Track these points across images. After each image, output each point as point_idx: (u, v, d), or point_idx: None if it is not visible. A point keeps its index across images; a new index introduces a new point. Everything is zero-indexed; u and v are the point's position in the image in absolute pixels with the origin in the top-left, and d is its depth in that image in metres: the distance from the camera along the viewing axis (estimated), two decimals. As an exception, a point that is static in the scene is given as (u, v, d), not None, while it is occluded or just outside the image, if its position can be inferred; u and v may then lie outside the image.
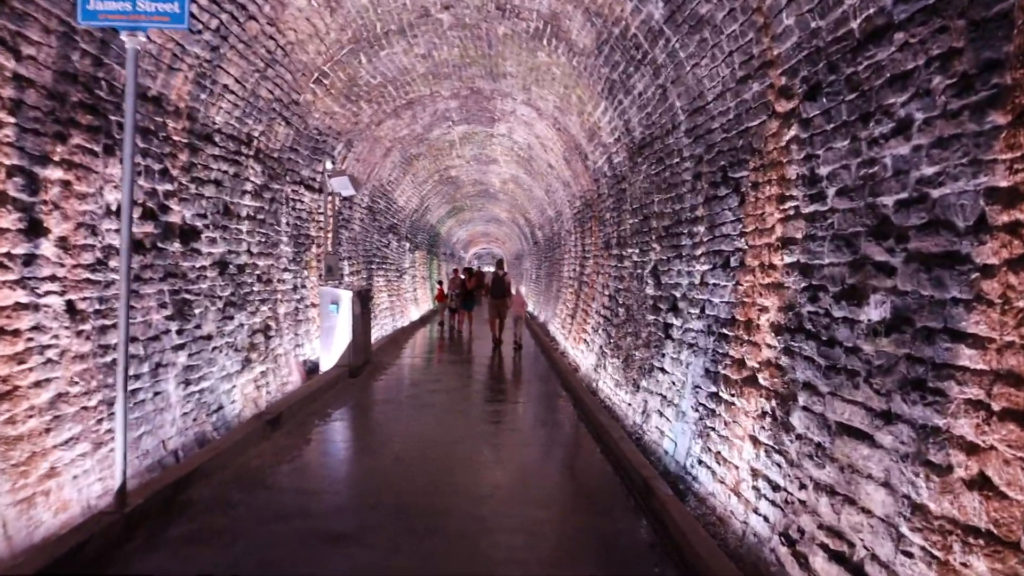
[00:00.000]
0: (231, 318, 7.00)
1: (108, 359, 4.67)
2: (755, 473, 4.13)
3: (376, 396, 9.29)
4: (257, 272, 7.92)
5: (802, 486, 3.55)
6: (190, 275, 6.10)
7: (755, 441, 4.21)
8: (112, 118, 4.72)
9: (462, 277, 18.95)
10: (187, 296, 6.01)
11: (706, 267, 5.57)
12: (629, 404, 7.27)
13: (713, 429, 4.92)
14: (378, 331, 15.28)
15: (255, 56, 6.67)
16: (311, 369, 9.68)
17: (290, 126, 8.54)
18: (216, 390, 6.42)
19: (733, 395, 4.66)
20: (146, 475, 4.93)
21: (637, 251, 8.05)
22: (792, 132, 4.08)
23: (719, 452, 4.74)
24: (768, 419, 4.07)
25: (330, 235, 10.65)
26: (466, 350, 14.74)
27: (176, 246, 5.85)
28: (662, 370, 6.41)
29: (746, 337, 4.61)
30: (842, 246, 3.46)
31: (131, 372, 4.95)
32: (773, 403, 4.05)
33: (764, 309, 4.36)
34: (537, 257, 25.23)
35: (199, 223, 6.31)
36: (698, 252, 5.79)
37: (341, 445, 6.85)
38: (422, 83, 10.73)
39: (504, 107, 12.28)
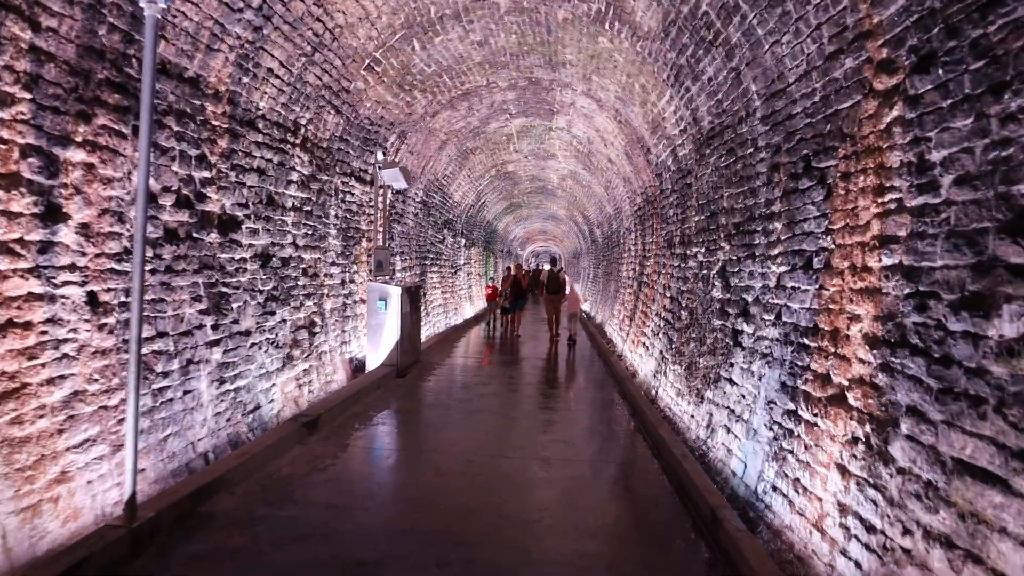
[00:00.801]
0: (272, 313, 6.73)
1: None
2: (843, 508, 3.56)
3: (422, 399, 8.87)
4: (303, 266, 7.65)
5: (906, 531, 2.97)
6: (228, 267, 5.83)
7: (843, 471, 3.63)
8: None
9: (514, 275, 17.34)
10: (224, 289, 5.74)
11: (783, 268, 4.98)
12: (692, 416, 6.70)
13: (791, 452, 4.34)
14: (430, 329, 15.00)
15: (301, 39, 6.37)
16: (357, 367, 9.40)
17: (340, 115, 8.25)
18: (253, 389, 6.15)
19: (816, 415, 4.08)
20: (170, 480, 4.65)
21: (703, 250, 7.46)
22: (895, 112, 3.48)
23: (798, 479, 4.16)
24: (861, 446, 3.49)
25: (381, 229, 10.35)
26: (519, 351, 14.25)
27: (213, 236, 5.58)
28: (730, 381, 5.83)
29: (832, 349, 4.02)
30: (961, 245, 2.87)
31: (159, 369, 4.69)
32: (867, 428, 3.47)
33: (855, 318, 3.77)
34: (595, 256, 24.63)
35: (240, 213, 6.04)
36: (774, 252, 5.20)
37: (380, 454, 6.42)
38: (478, 72, 10.34)
39: (563, 98, 11.79)
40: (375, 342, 9.39)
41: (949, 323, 2.89)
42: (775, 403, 4.73)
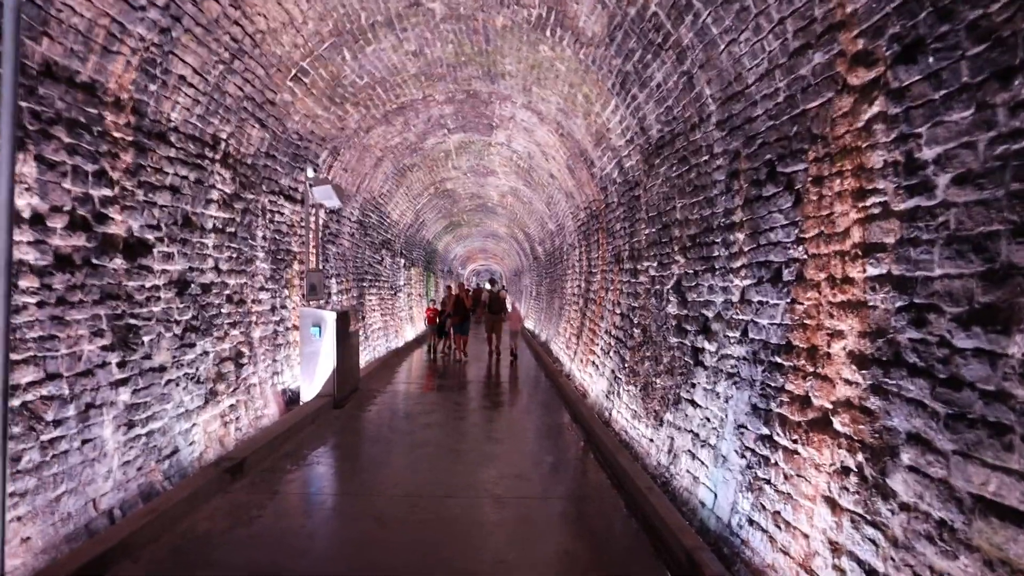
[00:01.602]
0: (192, 345, 6.07)
1: (14, 402, 3.74)
2: (836, 548, 3.20)
3: (361, 432, 8.16)
4: (227, 292, 7.01)
5: (918, 578, 2.62)
6: (137, 296, 5.18)
7: (833, 505, 3.28)
8: (23, 104, 3.83)
9: (457, 294, 16.31)
10: (133, 321, 5.09)
11: (748, 282, 4.66)
12: (651, 441, 6.33)
13: (767, 482, 3.99)
14: (370, 353, 14.35)
15: (217, 44, 5.80)
16: (291, 399, 8.73)
17: (265, 129, 7.67)
18: (170, 431, 5.48)
19: (796, 441, 3.73)
20: (64, 547, 3.97)
21: (655, 264, 7.15)
22: (875, 108, 3.19)
23: (778, 512, 3.80)
24: (853, 478, 3.15)
25: (314, 250, 9.73)
26: (464, 375, 13.61)
27: (118, 262, 4.94)
28: (692, 403, 5.49)
29: (810, 369, 3.69)
30: (966, 252, 2.55)
31: (50, 417, 4.03)
32: (859, 457, 3.12)
33: (837, 334, 3.45)
34: (537, 273, 24.35)
35: (150, 236, 5.41)
36: (736, 264, 4.89)
37: (314, 500, 5.64)
38: (414, 85, 9.89)
39: (503, 112, 11.44)
40: (309, 372, 8.74)
41: (956, 339, 2.57)
42: (746, 427, 4.38)
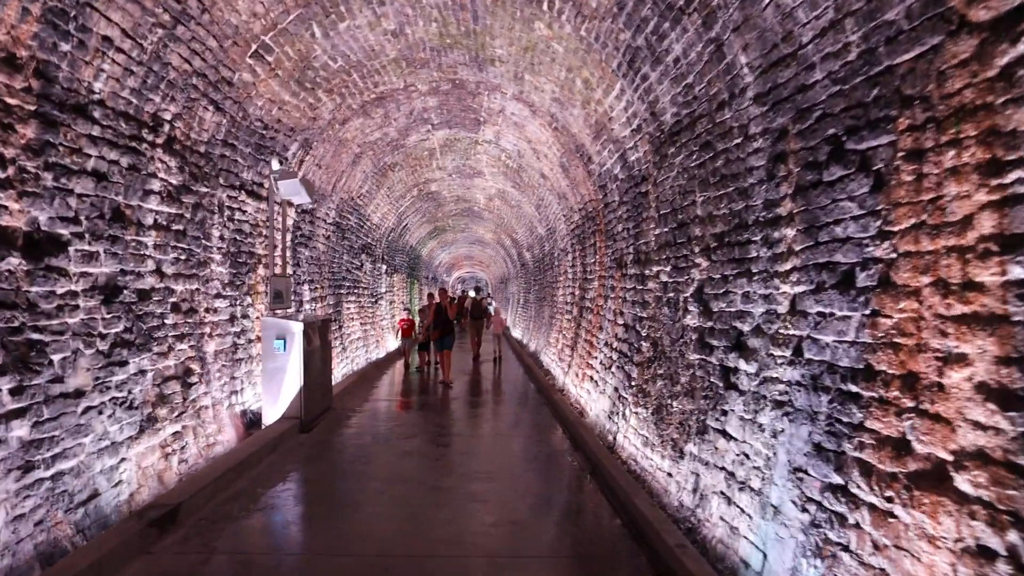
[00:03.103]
0: (123, 363, 5.07)
1: None
2: (975, 663, 2.28)
3: (330, 463, 6.99)
4: (172, 299, 6.01)
5: None
6: (44, 305, 4.19)
7: (963, 598, 2.36)
8: None
9: (439, 302, 13.63)
10: (36, 336, 4.09)
11: (802, 288, 3.75)
12: (670, 475, 5.40)
13: (846, 549, 3.06)
14: (347, 365, 13.33)
15: (154, 3, 4.83)
16: (252, 422, 7.71)
17: (221, 113, 6.69)
18: (87, 471, 4.48)
19: (891, 500, 2.81)
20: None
21: (668, 269, 6.24)
22: (1019, 49, 2.30)
23: (865, 593, 2.88)
24: (1002, 566, 2.23)
25: (280, 253, 8.73)
26: (446, 391, 12.34)
27: (15, 262, 3.95)
28: (723, 434, 4.56)
29: (909, 403, 2.78)
30: None
31: (-103, 466, 3.02)
32: (1011, 536, 2.21)
33: (956, 360, 2.54)
34: (525, 280, 23.44)
35: (64, 231, 4.42)
36: (784, 267, 3.98)
37: (259, 567, 4.35)
38: (394, 72, 8.94)
39: (491, 105, 10.52)
40: (273, 390, 7.72)
41: None
42: (807, 472, 3.46)
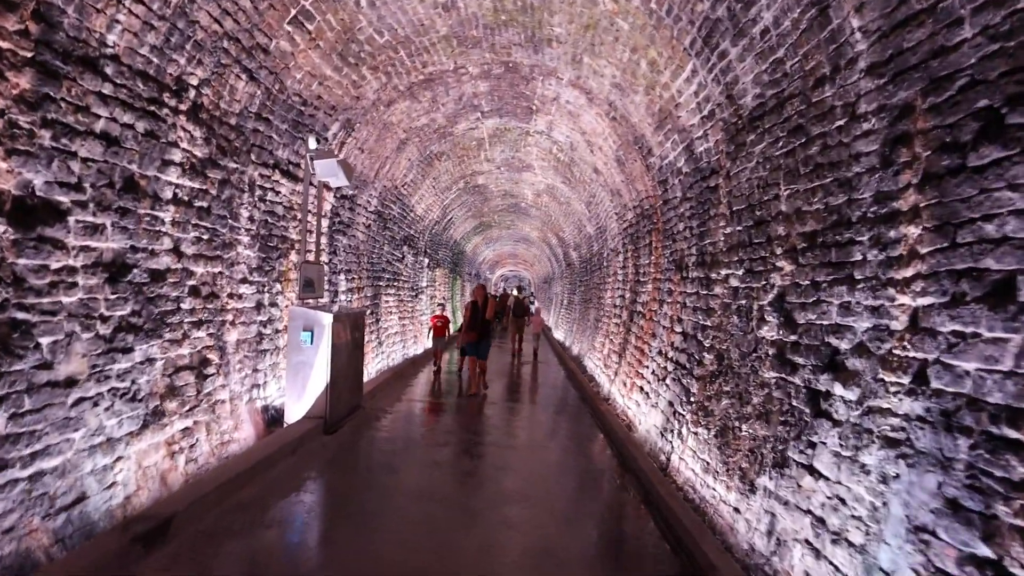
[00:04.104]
0: (128, 350, 4.57)
1: None
2: None
3: (351, 470, 6.38)
4: (191, 282, 5.52)
5: None
6: (33, 281, 3.69)
7: None
8: None
9: (474, 300, 11.64)
10: (21, 315, 3.59)
11: (930, 299, 3.01)
12: (737, 510, 4.67)
13: (999, 646, 2.33)
14: (383, 361, 12.83)
15: (177, -53, 4.32)
16: (274, 419, 7.20)
17: (256, 83, 6.18)
18: (74, 470, 3.97)
19: (1078, 593, 2.08)
20: None
21: (740, 272, 5.51)
22: None
23: None
24: None
25: (315, 238, 8.22)
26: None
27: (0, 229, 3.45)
28: (810, 470, 3.83)
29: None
30: None
31: None
32: None
33: None
34: (570, 281, 22.71)
35: (63, 198, 3.92)
36: (904, 273, 3.23)
37: None
38: (443, 51, 8.36)
39: (545, 92, 9.87)
40: (297, 386, 7.18)
41: None
42: (936, 535, 2.73)
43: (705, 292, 6.45)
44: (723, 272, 5.95)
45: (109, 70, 4.21)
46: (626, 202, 10.92)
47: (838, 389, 3.69)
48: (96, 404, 4.19)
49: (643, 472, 6.18)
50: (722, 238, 6.05)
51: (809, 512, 3.74)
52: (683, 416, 6.39)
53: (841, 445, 3.54)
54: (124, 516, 4.32)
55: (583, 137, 11.00)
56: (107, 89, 4.22)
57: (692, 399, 6.24)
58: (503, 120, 11.83)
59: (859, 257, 3.64)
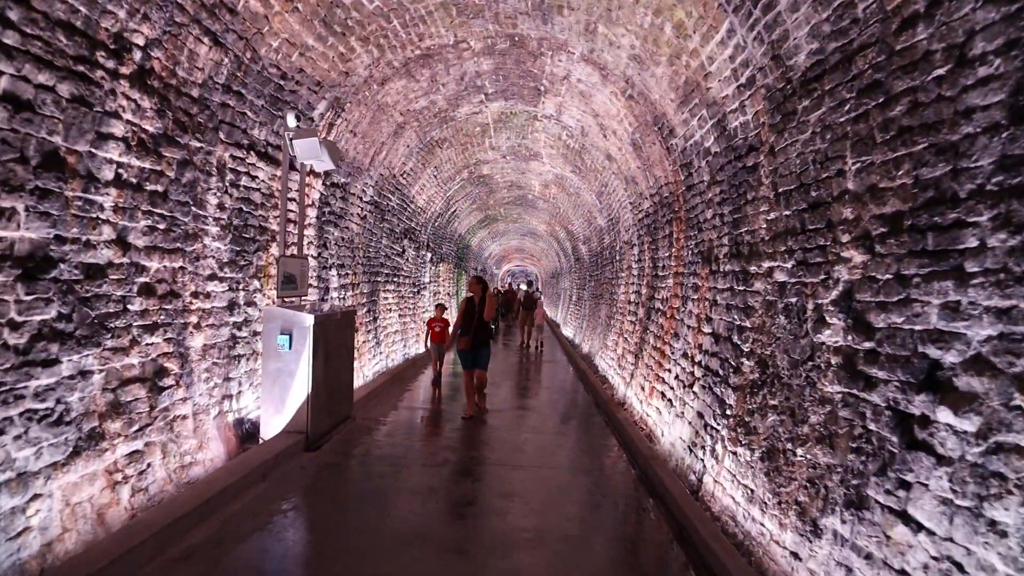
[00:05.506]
0: (51, 363, 3.75)
1: None
2: None
3: (329, 502, 5.37)
4: (142, 279, 4.70)
5: None
6: (-98, 279, 2.86)
7: None
8: None
9: (470, 297, 9.03)
10: None
11: (1103, 301, 2.15)
12: (796, 556, 3.82)
13: None
14: (381, 362, 12.00)
15: None
16: (250, 433, 6.37)
17: (223, 50, 5.35)
18: (-34, 518, 3.16)
19: None
20: None
21: (789, 265, 4.64)
22: None
23: None
24: None
25: (298, 228, 7.38)
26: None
27: None
28: (903, 517, 2.97)
29: None
30: None
31: None
32: None
33: None
34: (579, 276, 21.85)
35: (-50, 174, 3.09)
36: (1052, 263, 2.38)
37: None
38: (441, 21, 7.51)
39: (555, 69, 9.01)
40: (274, 397, 6.31)
41: None
42: None
43: (742, 288, 5.59)
44: (765, 264, 5.09)
45: (14, 15, 3.38)
46: (642, 190, 10.05)
47: (943, 415, 2.83)
48: (1, 432, 3.37)
49: (672, 499, 5.32)
50: (763, 225, 5.18)
51: (903, 573, 2.89)
52: (717, 431, 5.54)
53: (954, 491, 2.69)
54: (41, 568, 3.50)
55: (595, 120, 10.13)
56: (13, 39, 3.38)
57: (728, 412, 5.39)
58: (509, 103, 10.98)
59: (974, 243, 2.77)
